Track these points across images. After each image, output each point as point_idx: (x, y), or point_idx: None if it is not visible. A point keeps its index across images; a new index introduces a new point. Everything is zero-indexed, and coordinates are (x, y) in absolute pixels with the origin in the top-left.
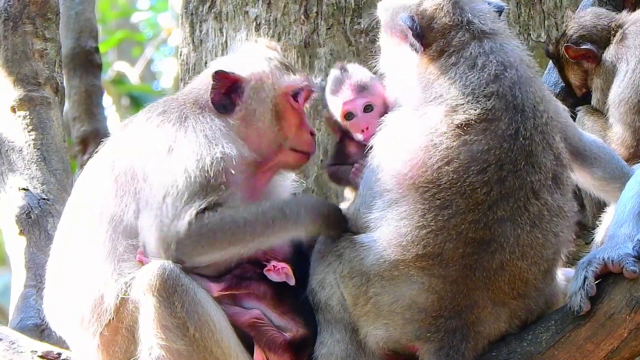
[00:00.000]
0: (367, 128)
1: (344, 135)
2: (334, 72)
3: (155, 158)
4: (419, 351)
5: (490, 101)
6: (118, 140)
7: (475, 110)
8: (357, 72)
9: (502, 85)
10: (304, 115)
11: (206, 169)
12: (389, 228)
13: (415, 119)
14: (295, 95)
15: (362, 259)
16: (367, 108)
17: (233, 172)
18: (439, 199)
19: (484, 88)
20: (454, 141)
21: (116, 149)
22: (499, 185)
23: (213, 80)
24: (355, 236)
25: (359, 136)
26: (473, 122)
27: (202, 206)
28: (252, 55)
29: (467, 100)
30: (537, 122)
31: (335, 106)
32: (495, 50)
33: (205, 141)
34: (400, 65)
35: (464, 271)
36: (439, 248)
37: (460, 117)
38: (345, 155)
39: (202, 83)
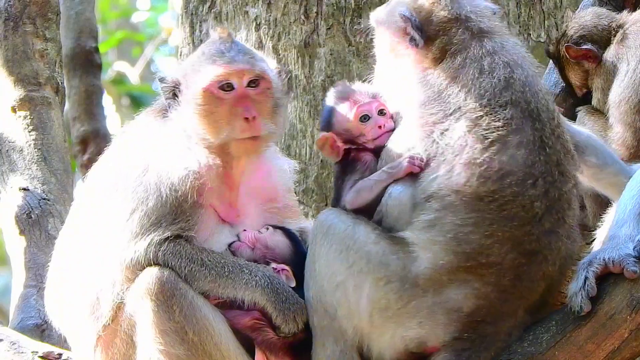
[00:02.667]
0: (383, 125)
1: (346, 154)
2: (339, 87)
3: (133, 172)
4: (437, 352)
5: (507, 111)
6: (115, 148)
7: (497, 122)
8: (364, 84)
9: (514, 92)
10: (238, 102)
11: (175, 188)
12: (449, 234)
13: (441, 131)
14: (223, 86)
15: (408, 264)
16: (381, 112)
17: (201, 187)
18: (505, 210)
19: (498, 97)
20: (495, 155)
21: (111, 157)
22: (545, 198)
23: (160, 84)
24: (398, 234)
25: (374, 134)
26: (503, 135)
27: (165, 234)
28: (196, 51)
29: (485, 112)
30: (552, 126)
31: (347, 110)
32: (497, 50)
33: (173, 158)
34: (400, 70)
35: (514, 281)
36: (500, 258)
37: (491, 134)
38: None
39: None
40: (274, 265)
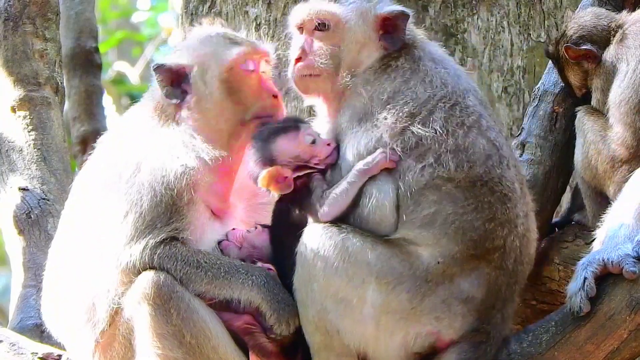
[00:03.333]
0: (330, 142)
1: (296, 181)
2: (266, 126)
3: (125, 172)
4: (451, 346)
5: (470, 97)
6: (106, 146)
7: (468, 108)
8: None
9: (466, 81)
10: (263, 80)
11: (171, 186)
12: (454, 224)
13: (419, 122)
14: (246, 65)
15: (414, 262)
16: (319, 135)
17: (197, 183)
18: (496, 192)
19: (458, 85)
20: (476, 139)
21: (103, 156)
22: (516, 179)
23: (155, 74)
24: (393, 237)
25: (327, 152)
26: (476, 120)
27: (160, 237)
28: (196, 39)
29: (454, 99)
30: (493, 115)
31: (293, 138)
32: (437, 50)
33: (168, 156)
34: (360, 64)
35: (514, 264)
36: (502, 240)
37: (467, 119)
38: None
39: (154, 83)
40: (259, 264)
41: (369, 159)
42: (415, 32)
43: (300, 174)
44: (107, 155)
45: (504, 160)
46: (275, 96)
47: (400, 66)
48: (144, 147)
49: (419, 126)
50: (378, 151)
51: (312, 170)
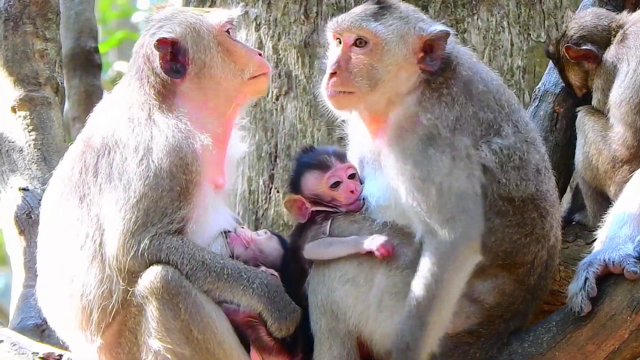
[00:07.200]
0: (355, 190)
1: (313, 214)
2: (306, 151)
3: (131, 161)
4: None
5: (522, 111)
6: (98, 132)
7: (527, 126)
8: (328, 147)
9: (509, 91)
10: (242, 43)
11: (188, 169)
12: (494, 236)
13: (485, 148)
14: (228, 30)
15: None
16: (352, 176)
17: (206, 162)
18: (541, 207)
19: (510, 100)
20: (533, 154)
21: (98, 140)
22: (552, 185)
23: (157, 50)
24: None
25: (348, 199)
26: (533, 137)
27: (169, 227)
28: (171, 16)
29: (515, 118)
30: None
31: (317, 177)
32: (478, 64)
33: (179, 138)
34: (403, 80)
35: (538, 279)
36: (533, 256)
37: (527, 135)
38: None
39: (141, 65)
40: (263, 268)
41: (369, 241)
42: (451, 45)
43: (320, 209)
44: (101, 140)
45: (549, 172)
46: (259, 54)
47: (455, 93)
48: (149, 129)
49: (486, 147)
50: (379, 239)
51: (331, 210)
